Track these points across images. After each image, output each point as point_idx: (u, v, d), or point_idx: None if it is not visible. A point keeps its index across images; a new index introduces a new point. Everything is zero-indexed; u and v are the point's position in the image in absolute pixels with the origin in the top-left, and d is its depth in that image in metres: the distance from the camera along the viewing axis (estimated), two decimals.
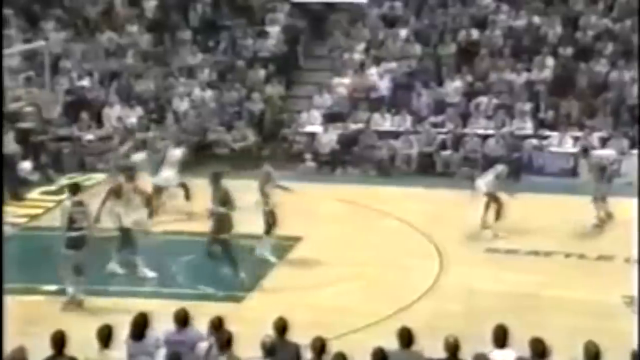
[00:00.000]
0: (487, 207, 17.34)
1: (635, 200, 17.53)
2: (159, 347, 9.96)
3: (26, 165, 20.92)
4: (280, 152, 22.93)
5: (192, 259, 15.98)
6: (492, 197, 17.26)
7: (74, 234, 14.09)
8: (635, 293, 13.80)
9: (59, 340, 9.47)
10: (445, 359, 9.47)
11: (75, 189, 14.75)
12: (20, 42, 23.64)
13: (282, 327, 9.85)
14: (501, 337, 9.64)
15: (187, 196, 18.38)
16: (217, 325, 9.85)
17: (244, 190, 16.06)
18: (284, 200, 16.51)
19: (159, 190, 18.11)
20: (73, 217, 14.15)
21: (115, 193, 15.46)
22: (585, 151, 19.06)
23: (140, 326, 9.99)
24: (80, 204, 14.42)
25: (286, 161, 22.59)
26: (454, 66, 24.09)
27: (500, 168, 17.73)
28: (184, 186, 18.38)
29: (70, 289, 14.27)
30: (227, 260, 14.89)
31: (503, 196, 17.31)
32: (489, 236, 17.16)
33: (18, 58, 23.43)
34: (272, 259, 16.05)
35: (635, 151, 21.17)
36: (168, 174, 18.18)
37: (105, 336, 9.74)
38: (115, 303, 13.96)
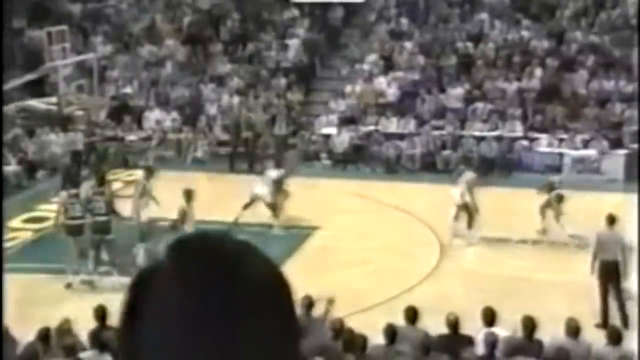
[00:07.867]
0: (456, 216, 16.12)
1: (618, 196, 17.39)
2: None
3: None
4: (297, 151, 22.91)
5: None
6: (464, 207, 16.09)
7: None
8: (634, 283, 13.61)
9: (101, 314, 9.55)
10: (447, 334, 9.55)
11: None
12: (73, 54, 23.69)
13: (308, 303, 9.91)
14: (489, 317, 9.79)
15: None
16: None
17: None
18: (303, 193, 16.50)
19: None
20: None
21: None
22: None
23: None
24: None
25: (304, 159, 22.62)
26: (453, 75, 24.05)
27: (469, 175, 16.58)
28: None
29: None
30: None
31: (480, 196, 16.26)
32: (464, 242, 16.11)
33: (71, 68, 23.48)
34: None
35: (616, 151, 21.01)
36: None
37: None
38: None
